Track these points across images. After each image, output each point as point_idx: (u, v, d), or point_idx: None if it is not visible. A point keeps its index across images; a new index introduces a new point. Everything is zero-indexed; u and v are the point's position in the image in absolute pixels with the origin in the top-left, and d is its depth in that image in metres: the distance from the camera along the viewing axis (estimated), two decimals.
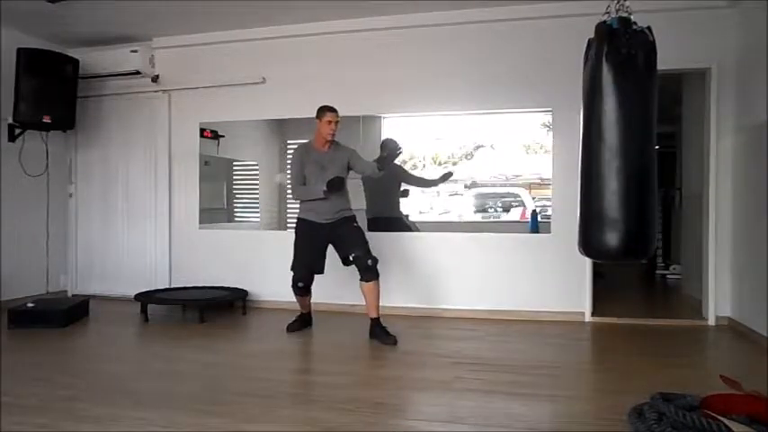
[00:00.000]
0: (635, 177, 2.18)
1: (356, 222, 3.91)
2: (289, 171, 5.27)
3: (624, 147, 2.16)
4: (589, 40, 2.27)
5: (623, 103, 2.15)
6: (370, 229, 4.62)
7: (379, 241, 4.36)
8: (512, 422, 2.34)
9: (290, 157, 4.05)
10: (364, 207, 4.81)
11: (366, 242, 3.79)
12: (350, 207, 3.93)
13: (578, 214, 2.32)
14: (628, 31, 2.15)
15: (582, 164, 2.30)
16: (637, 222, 2.20)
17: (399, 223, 4.92)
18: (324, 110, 3.81)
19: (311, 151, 3.86)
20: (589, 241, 2.29)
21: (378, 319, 3.74)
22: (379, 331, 3.68)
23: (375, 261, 3.72)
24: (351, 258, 3.74)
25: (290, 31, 4.89)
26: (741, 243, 4.07)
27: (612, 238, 2.20)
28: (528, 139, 4.99)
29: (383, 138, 4.81)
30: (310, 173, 3.81)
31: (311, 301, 4.11)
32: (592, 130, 2.24)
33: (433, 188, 5.12)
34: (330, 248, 3.87)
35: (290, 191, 5.26)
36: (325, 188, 3.69)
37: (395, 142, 3.72)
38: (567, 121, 4.18)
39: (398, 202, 4.99)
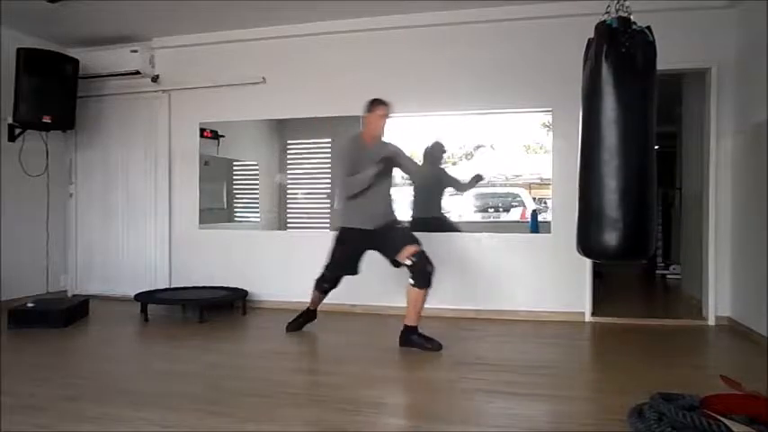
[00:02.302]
0: (634, 177, 2.18)
1: (402, 225, 3.76)
2: (290, 170, 5.32)
3: (623, 146, 2.16)
4: (589, 40, 2.27)
5: (622, 103, 2.15)
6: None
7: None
8: (512, 422, 2.34)
9: (340, 146, 3.73)
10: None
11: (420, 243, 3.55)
12: (395, 213, 3.76)
13: (577, 214, 2.32)
14: (627, 30, 2.15)
15: (581, 163, 2.29)
16: (636, 222, 2.20)
17: (442, 223, 4.81)
18: (376, 103, 3.56)
19: (363, 145, 3.59)
20: (588, 241, 2.28)
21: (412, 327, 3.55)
22: (417, 339, 3.50)
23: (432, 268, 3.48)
24: (407, 263, 3.46)
25: (290, 31, 4.89)
26: (741, 243, 4.07)
27: (611, 238, 2.19)
28: (528, 139, 4.99)
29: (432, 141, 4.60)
30: (362, 169, 3.50)
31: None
32: (591, 129, 2.24)
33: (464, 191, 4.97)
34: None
35: (289, 191, 5.30)
36: (375, 170, 3.41)
37: (441, 145, 3.49)
38: (567, 121, 4.18)
39: (440, 203, 4.89)
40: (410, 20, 4.62)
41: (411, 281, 3.48)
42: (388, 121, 3.57)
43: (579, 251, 2.34)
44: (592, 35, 2.25)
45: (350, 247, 3.66)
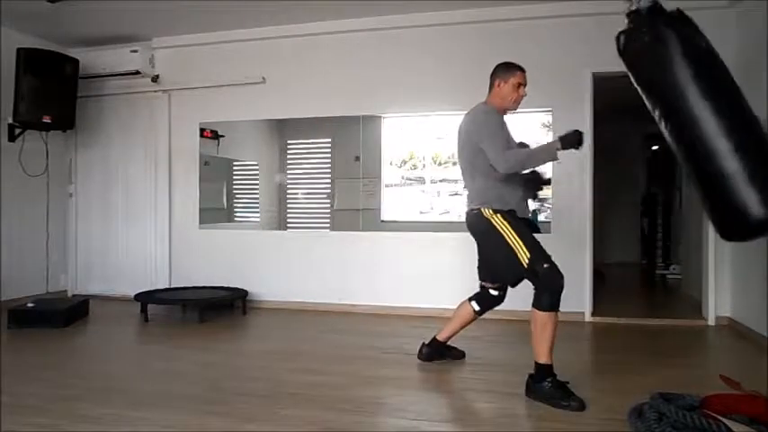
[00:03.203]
0: (754, 150, 2.09)
1: None
2: (290, 170, 5.32)
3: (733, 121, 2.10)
4: (628, 33, 2.16)
5: (705, 82, 2.13)
6: None
7: (388, 239, 4.32)
8: (512, 422, 2.35)
9: (482, 122, 2.93)
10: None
11: None
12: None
13: (710, 200, 2.15)
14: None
15: (690, 150, 2.16)
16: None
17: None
18: (512, 68, 2.90)
19: (502, 119, 2.92)
20: (734, 223, 2.09)
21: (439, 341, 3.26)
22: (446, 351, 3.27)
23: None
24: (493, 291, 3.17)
25: (290, 31, 4.89)
26: (741, 243, 4.06)
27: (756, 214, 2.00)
28: (528, 139, 4.97)
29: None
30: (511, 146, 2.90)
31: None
32: (686, 118, 2.14)
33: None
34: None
35: (289, 191, 5.30)
36: (559, 145, 2.79)
37: (580, 134, 2.81)
38: (567, 121, 4.18)
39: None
40: (410, 20, 4.63)
41: (476, 306, 3.22)
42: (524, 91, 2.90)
43: (729, 237, 2.16)
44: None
45: (525, 228, 2.89)
